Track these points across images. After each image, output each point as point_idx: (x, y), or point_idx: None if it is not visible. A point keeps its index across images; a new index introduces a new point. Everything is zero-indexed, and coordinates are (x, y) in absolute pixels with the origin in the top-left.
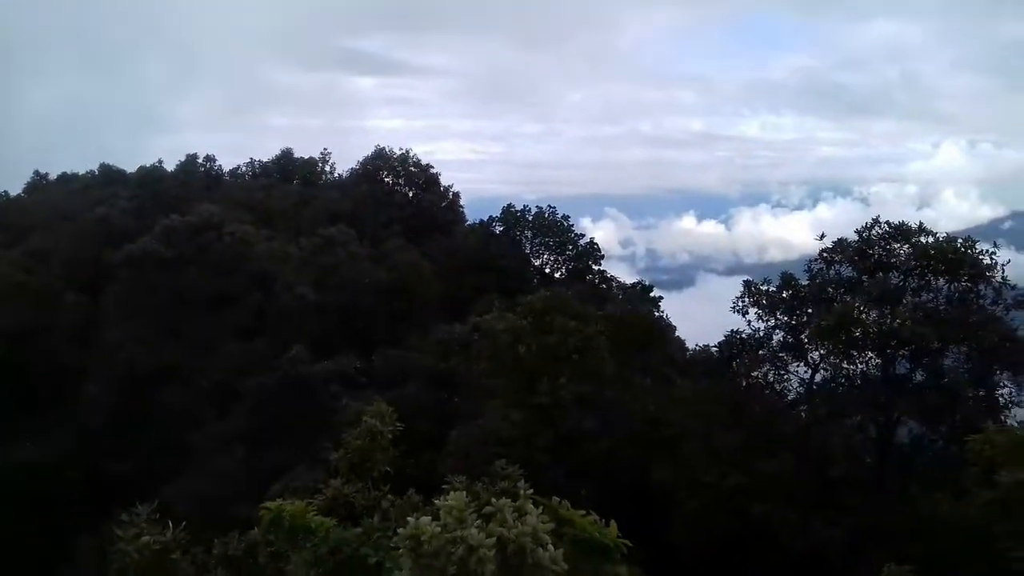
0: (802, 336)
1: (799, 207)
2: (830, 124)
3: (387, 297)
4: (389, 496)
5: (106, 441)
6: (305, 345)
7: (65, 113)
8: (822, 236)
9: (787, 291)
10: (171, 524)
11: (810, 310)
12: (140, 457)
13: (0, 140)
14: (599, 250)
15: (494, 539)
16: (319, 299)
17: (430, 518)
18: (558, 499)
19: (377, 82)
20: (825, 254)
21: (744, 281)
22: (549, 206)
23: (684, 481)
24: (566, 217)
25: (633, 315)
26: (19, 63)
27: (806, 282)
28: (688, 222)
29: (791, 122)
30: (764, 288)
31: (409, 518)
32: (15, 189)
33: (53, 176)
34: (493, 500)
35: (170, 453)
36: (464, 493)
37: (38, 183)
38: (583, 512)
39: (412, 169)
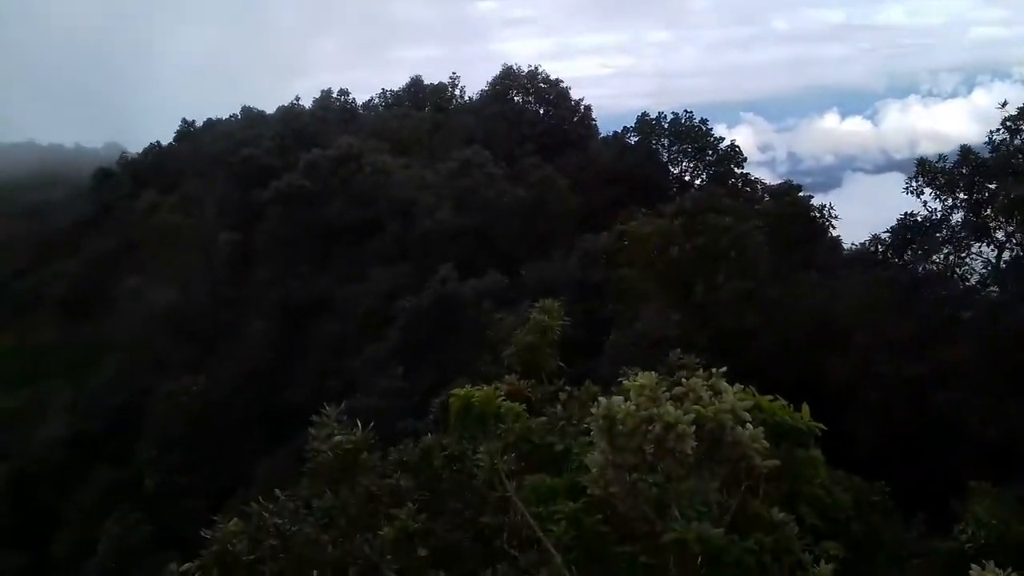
0: (986, 213)
1: (952, 95)
2: (983, 2)
3: (526, 216)
4: (566, 388)
5: (271, 372)
6: (446, 266)
7: (207, 62)
8: (1004, 104)
9: (966, 166)
10: (359, 424)
11: (994, 184)
12: (305, 385)
13: (149, 92)
14: (740, 153)
15: (692, 416)
16: (459, 222)
17: (622, 398)
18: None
19: (498, 4)
20: (1009, 123)
21: (918, 160)
22: (686, 111)
23: (858, 374)
24: (704, 121)
25: (791, 207)
26: (163, 19)
27: (988, 155)
28: (831, 121)
29: (939, 4)
30: (940, 165)
31: (600, 398)
32: (166, 139)
33: (200, 123)
34: (684, 380)
35: (332, 379)
36: (653, 373)
37: (186, 131)
38: (770, 397)
39: (541, 86)
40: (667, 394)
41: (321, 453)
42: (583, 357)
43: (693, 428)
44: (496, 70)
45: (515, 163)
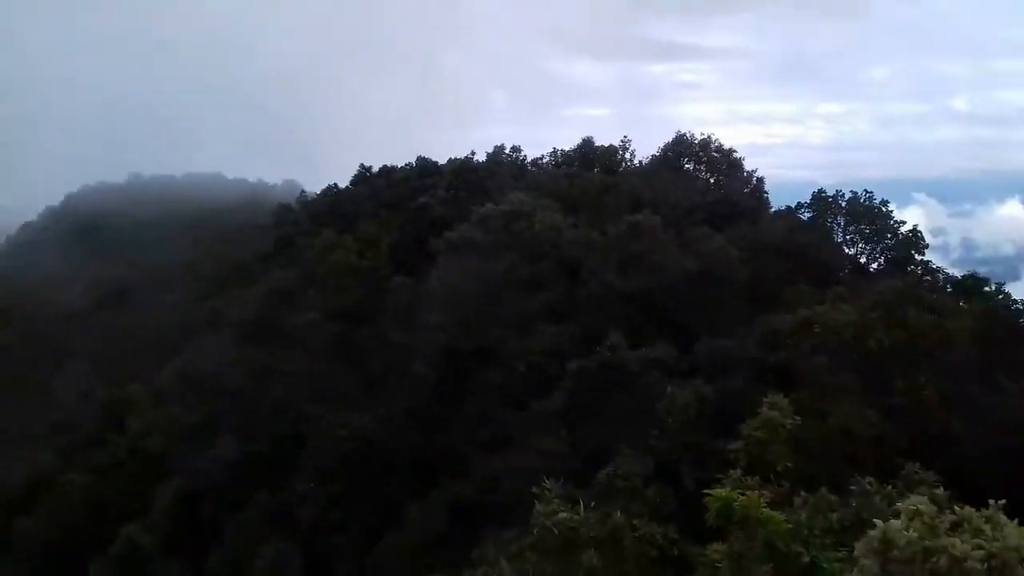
0: None
1: None
2: None
3: (695, 285)
4: (802, 493)
5: (430, 416)
6: (615, 331)
7: (383, 110)
8: None
9: None
10: (581, 502)
11: None
12: (460, 432)
13: (329, 139)
14: (922, 239)
15: (982, 552)
16: (626, 286)
17: (898, 522)
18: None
19: (667, 68)
20: None
21: None
22: (865, 191)
23: None
24: (884, 203)
25: (1003, 310)
26: (346, 68)
27: None
28: (1012, 208)
29: None
30: None
31: (876, 521)
32: (343, 182)
33: (376, 169)
34: (957, 508)
35: (488, 429)
36: (927, 498)
37: (363, 176)
38: None
39: (714, 155)
40: (945, 524)
41: (545, 529)
42: None
43: (984, 566)
44: (662, 132)
45: (685, 231)
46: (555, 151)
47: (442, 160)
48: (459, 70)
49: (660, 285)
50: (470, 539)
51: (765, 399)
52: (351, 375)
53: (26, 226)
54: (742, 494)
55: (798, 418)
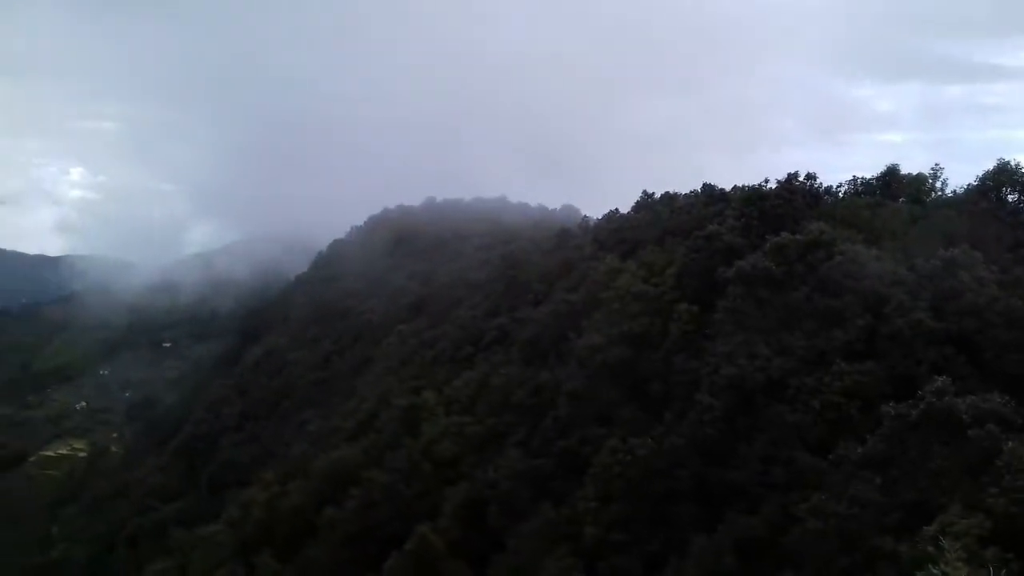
0: None
1: None
2: None
3: (1022, 328)
4: None
5: (715, 448)
6: (936, 376)
7: (663, 138)
8: None
9: None
10: None
11: None
12: (748, 468)
13: (608, 165)
14: None
15: None
16: (939, 326)
17: None
18: None
19: (966, 90)
20: None
21: None
22: None
23: None
24: None
25: None
26: (625, 96)
27: None
28: None
29: None
30: None
31: None
32: (622, 207)
33: (657, 195)
34: None
35: (779, 467)
36: None
37: (645, 201)
38: None
39: None
40: None
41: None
42: None
43: None
44: (966, 158)
45: (1008, 269)
46: (855, 179)
47: (727, 186)
48: (741, 94)
49: (981, 327)
50: None
51: None
52: (633, 400)
53: (335, 243)
54: None
55: None
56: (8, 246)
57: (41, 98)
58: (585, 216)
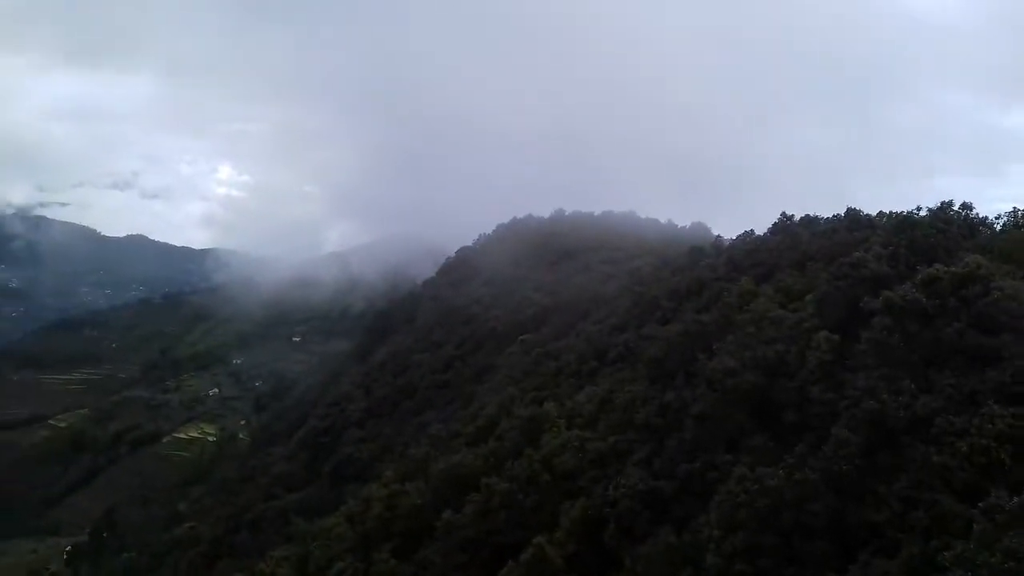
0: None
1: None
2: None
3: None
4: None
5: (851, 485)
6: None
7: (805, 161)
8: None
9: None
10: None
11: None
12: (888, 509)
13: (743, 185)
14: None
15: None
16: None
17: None
18: None
19: None
20: None
21: None
22: None
23: None
24: None
25: None
26: (765, 118)
27: None
28: None
29: None
30: None
31: None
32: (759, 229)
33: (797, 218)
34: None
35: (921, 511)
36: None
37: (783, 224)
38: None
39: None
40: None
41: None
42: None
43: None
44: None
45: None
46: (1015, 210)
47: (872, 212)
48: (891, 118)
49: None
50: None
51: None
52: (764, 428)
53: (462, 250)
54: None
55: None
56: (157, 237)
57: (195, 99)
58: (718, 236)
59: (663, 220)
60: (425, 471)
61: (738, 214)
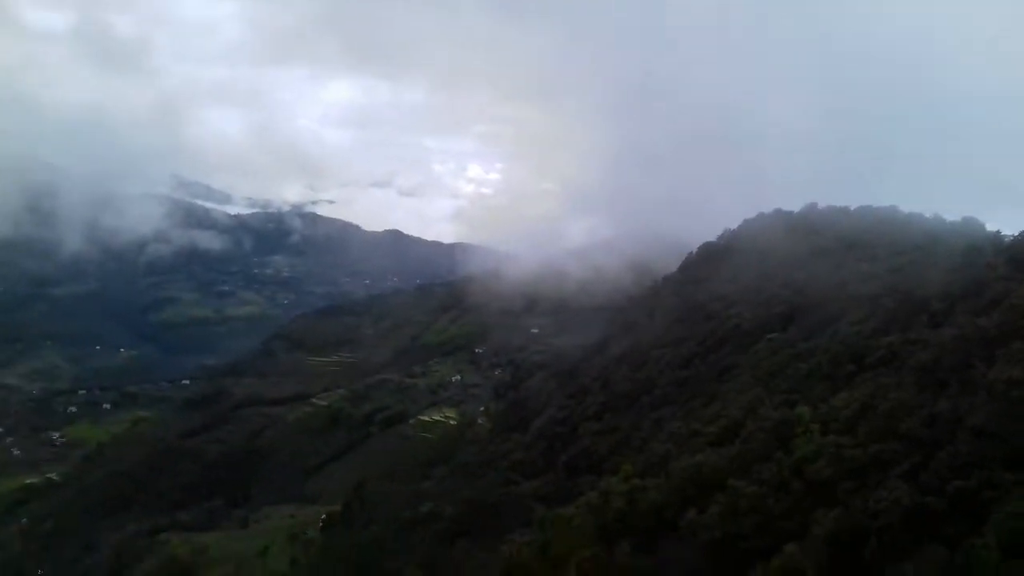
0: None
1: None
2: None
3: None
4: None
5: None
6: None
7: None
8: None
9: None
10: None
11: None
12: None
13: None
14: None
15: None
16: None
17: None
18: None
19: None
20: None
21: None
22: None
23: None
24: None
25: None
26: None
27: None
28: None
29: None
30: None
31: None
32: None
33: None
34: None
35: None
36: None
37: None
38: None
39: None
40: None
41: None
42: None
43: None
44: None
45: None
46: None
47: None
48: None
49: None
50: None
51: None
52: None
53: (705, 245)
54: None
55: None
56: (411, 232)
57: (454, 103)
58: (997, 231)
59: (928, 215)
60: (665, 468)
61: (1018, 206)
